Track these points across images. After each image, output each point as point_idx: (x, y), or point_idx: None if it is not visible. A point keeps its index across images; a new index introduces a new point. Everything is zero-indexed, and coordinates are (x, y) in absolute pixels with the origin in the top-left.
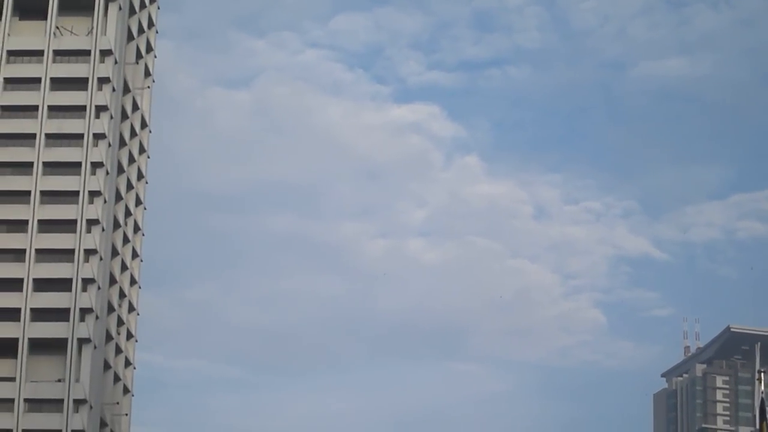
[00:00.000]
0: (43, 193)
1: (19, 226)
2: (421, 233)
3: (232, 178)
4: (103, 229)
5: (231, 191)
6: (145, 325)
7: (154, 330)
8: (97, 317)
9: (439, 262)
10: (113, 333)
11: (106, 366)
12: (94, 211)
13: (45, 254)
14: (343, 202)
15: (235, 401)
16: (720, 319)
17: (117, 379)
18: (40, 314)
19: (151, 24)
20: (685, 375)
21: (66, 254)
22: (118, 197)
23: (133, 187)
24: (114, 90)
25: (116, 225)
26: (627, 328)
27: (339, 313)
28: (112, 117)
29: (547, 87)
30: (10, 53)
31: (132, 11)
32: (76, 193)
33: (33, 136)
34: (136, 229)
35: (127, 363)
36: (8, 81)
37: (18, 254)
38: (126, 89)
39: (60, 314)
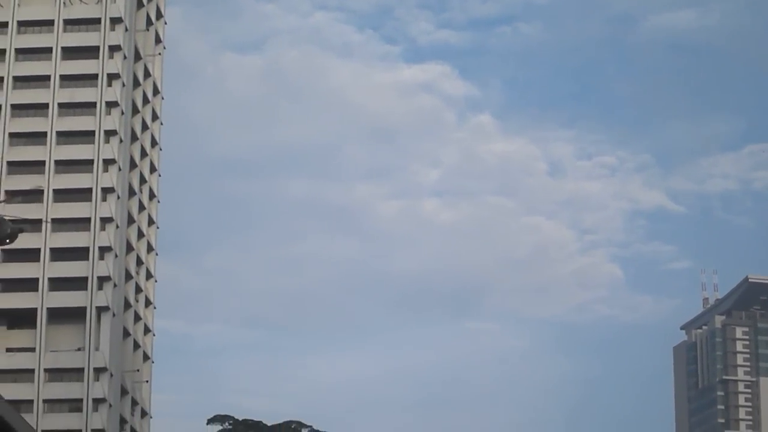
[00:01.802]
0: (57, 162)
1: (35, 195)
2: (435, 193)
3: (245, 142)
4: (118, 197)
5: (245, 155)
6: (163, 292)
7: (173, 296)
8: (115, 285)
9: (455, 221)
10: (131, 300)
11: (126, 334)
12: (109, 179)
13: (61, 223)
14: (356, 163)
15: (254, 365)
16: (738, 270)
17: (137, 346)
18: (58, 284)
19: None
20: (704, 327)
21: (82, 223)
22: (133, 165)
23: (147, 155)
24: (125, 57)
25: (131, 193)
26: (645, 282)
27: (355, 274)
28: (124, 85)
29: (558, 43)
30: (21, 23)
31: None
32: (91, 162)
33: (46, 105)
34: (152, 196)
35: (146, 330)
36: (20, 51)
37: (34, 224)
38: (137, 56)
39: (78, 283)
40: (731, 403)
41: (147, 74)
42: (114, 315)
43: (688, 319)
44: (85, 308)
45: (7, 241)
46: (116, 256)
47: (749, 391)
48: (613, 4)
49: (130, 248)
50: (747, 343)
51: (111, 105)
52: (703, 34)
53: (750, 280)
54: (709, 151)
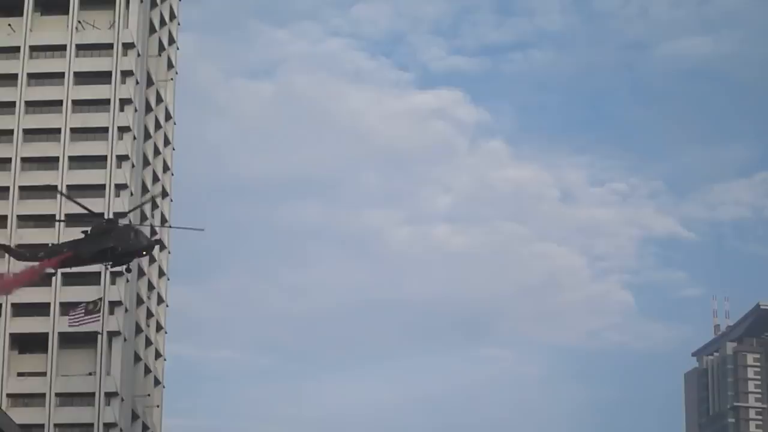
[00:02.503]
0: (69, 187)
1: (47, 220)
2: (447, 219)
3: (257, 168)
4: (130, 222)
5: (257, 181)
6: (174, 317)
7: (184, 321)
8: (126, 310)
9: (466, 247)
10: (143, 325)
11: (137, 358)
12: (121, 204)
13: None
14: (368, 189)
15: (267, 390)
16: (750, 297)
17: (148, 371)
18: (69, 308)
19: (173, 16)
20: (715, 354)
21: None
22: (145, 190)
23: (159, 179)
24: (137, 83)
25: (143, 218)
26: (656, 309)
27: (367, 300)
28: (136, 110)
29: (571, 69)
30: (33, 48)
31: (153, 4)
32: (103, 187)
33: (58, 130)
34: (163, 221)
35: (158, 355)
36: (32, 76)
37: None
38: (149, 82)
39: None
40: (742, 430)
41: (159, 99)
42: (125, 340)
43: (700, 345)
44: (96, 333)
45: (144, 252)
46: (127, 280)
47: (761, 418)
48: (626, 30)
49: (141, 273)
50: (758, 369)
51: (123, 130)
52: (716, 62)
53: (762, 306)
54: (722, 178)
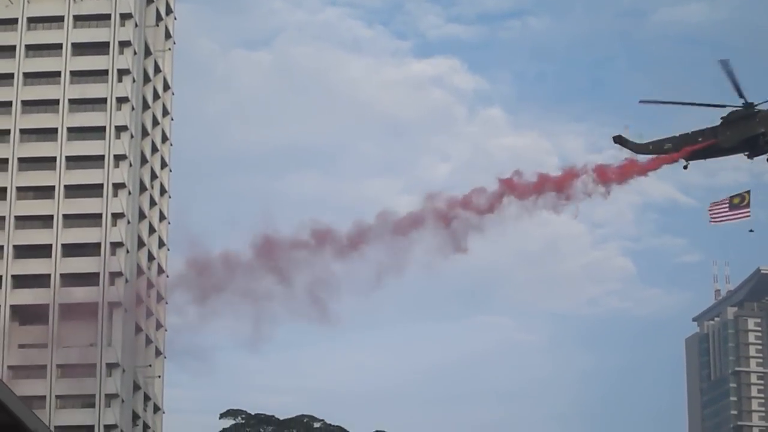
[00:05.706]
0: (68, 158)
1: (46, 191)
2: (446, 188)
3: (256, 138)
4: (129, 193)
5: (256, 151)
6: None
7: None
8: (126, 281)
9: None
10: (143, 296)
11: (138, 329)
12: (120, 174)
13: (73, 219)
14: (366, 159)
15: (268, 360)
16: (750, 262)
17: (149, 341)
18: (69, 279)
19: None
20: (716, 319)
21: (93, 219)
22: (144, 160)
23: (158, 150)
24: (135, 53)
25: (142, 188)
26: (656, 275)
27: None
28: (134, 80)
29: (568, 36)
30: (31, 20)
31: None
32: (102, 158)
33: (56, 101)
34: (163, 191)
35: (159, 325)
36: (30, 48)
37: (46, 220)
38: (147, 52)
39: (90, 279)
40: (744, 395)
41: (157, 70)
42: (126, 310)
43: (700, 311)
44: (96, 304)
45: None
46: (128, 251)
47: (762, 382)
48: None
49: (141, 244)
50: (759, 334)
51: (121, 101)
52: (714, 28)
53: (762, 271)
54: None
